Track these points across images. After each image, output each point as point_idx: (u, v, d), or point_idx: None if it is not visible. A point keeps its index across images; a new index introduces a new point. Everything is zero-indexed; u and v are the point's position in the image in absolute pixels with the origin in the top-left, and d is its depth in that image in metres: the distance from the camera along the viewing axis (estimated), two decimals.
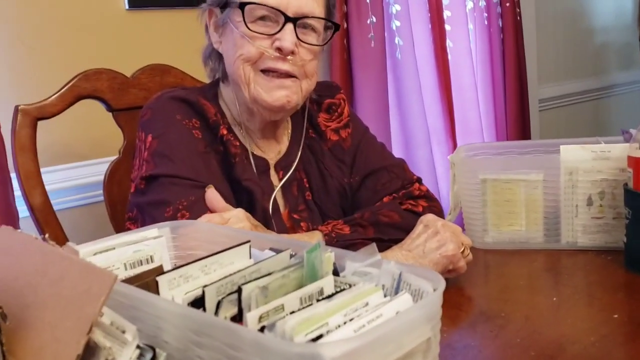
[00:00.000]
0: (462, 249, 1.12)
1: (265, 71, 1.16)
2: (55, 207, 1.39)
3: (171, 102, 1.20)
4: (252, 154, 1.25)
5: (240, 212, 1.04)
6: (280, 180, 1.27)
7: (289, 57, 1.15)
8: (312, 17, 1.17)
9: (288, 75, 1.17)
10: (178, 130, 1.17)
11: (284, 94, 1.17)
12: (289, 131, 1.32)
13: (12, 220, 1.40)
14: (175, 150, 1.15)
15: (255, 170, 1.23)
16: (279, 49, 1.14)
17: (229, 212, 1.04)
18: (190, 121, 1.19)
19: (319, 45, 1.20)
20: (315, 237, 1.13)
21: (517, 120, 2.82)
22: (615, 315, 0.98)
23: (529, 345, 0.89)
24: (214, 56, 1.27)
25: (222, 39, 1.22)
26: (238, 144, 1.23)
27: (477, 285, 1.16)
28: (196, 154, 1.16)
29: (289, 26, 1.14)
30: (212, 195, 1.08)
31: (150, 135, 1.17)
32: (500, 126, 2.81)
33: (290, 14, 1.14)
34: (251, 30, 1.15)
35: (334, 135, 1.33)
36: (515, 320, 0.98)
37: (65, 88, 1.40)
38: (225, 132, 1.21)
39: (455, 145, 2.50)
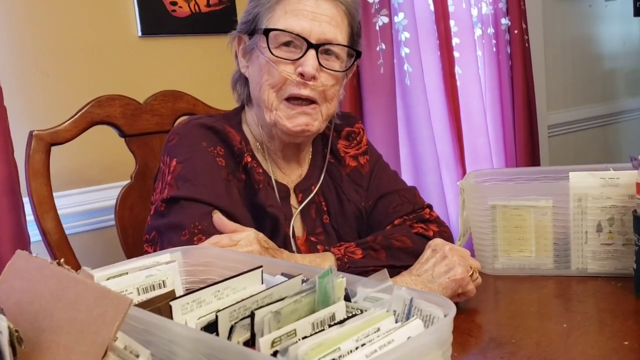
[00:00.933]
0: (471, 272, 1.13)
1: (288, 99, 1.19)
2: (66, 232, 1.40)
3: (198, 129, 1.23)
4: (275, 180, 1.27)
5: (250, 234, 1.05)
6: (299, 203, 1.29)
7: (310, 82, 1.17)
8: (335, 44, 1.20)
9: (310, 101, 1.19)
10: (203, 156, 1.19)
11: (304, 121, 1.20)
12: (310, 155, 1.35)
13: (24, 244, 1.42)
14: (198, 175, 1.17)
15: (277, 197, 1.25)
16: (301, 74, 1.17)
17: (239, 234, 1.05)
18: (215, 148, 1.22)
19: (341, 72, 1.23)
20: (327, 260, 1.15)
21: (526, 146, 2.83)
22: (626, 342, 0.97)
23: None
24: (241, 81, 1.30)
25: (249, 63, 1.26)
26: (261, 170, 1.26)
27: (487, 312, 1.16)
28: (219, 180, 1.18)
29: (312, 52, 1.17)
30: (219, 220, 1.10)
31: (175, 160, 1.19)
32: (509, 152, 2.82)
33: (313, 41, 1.17)
34: (275, 55, 1.18)
35: (353, 161, 1.35)
36: (526, 346, 0.97)
37: (79, 114, 1.42)
38: (249, 159, 1.24)
39: (464, 172, 2.51)
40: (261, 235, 1.08)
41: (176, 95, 1.58)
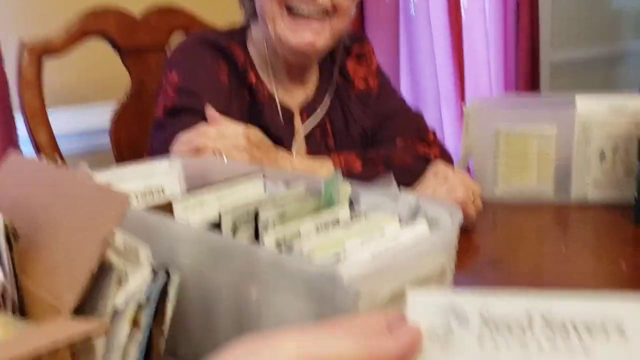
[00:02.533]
0: (473, 198, 1.11)
1: (292, 12, 1.14)
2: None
3: (202, 45, 1.20)
4: (280, 102, 1.24)
5: (239, 128, 0.98)
6: (303, 124, 1.26)
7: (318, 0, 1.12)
8: None
9: (317, 16, 1.14)
10: (205, 71, 1.17)
11: (309, 37, 1.15)
12: (317, 75, 1.31)
13: None
14: (199, 87, 1.15)
15: (281, 118, 1.23)
16: None
17: (228, 126, 0.99)
18: (218, 66, 1.19)
19: None
20: (325, 167, 1.12)
21: (527, 84, 2.79)
22: (624, 267, 0.97)
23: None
24: None
25: None
26: (266, 92, 1.22)
27: (485, 235, 1.15)
28: (222, 94, 1.16)
29: None
30: (212, 113, 1.02)
31: (178, 74, 1.17)
32: (509, 89, 2.78)
33: None
34: None
35: (362, 82, 1.32)
36: (524, 268, 0.98)
37: (73, 23, 1.37)
38: (254, 79, 1.21)
39: None
40: (257, 134, 1.01)
41: (173, 10, 1.52)
